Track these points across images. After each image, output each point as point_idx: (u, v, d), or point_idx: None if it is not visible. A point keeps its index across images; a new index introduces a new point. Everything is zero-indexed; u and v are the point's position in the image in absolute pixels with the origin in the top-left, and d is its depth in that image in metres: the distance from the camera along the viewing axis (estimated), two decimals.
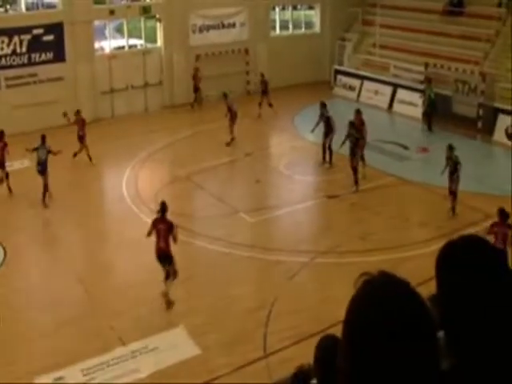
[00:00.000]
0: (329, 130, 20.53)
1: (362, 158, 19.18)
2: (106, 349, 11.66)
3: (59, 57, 25.41)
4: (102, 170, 21.25)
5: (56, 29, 25.16)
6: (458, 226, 15.93)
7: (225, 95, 23.30)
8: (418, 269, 13.81)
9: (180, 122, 24.54)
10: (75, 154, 20.94)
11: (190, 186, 19.35)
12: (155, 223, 12.90)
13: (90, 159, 20.84)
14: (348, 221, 16.95)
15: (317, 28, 33.07)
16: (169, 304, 12.90)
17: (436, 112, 24.24)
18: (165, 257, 12.86)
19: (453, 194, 17.05)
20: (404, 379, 1.59)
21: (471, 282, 1.84)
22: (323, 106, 21.08)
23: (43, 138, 18.36)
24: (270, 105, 25.59)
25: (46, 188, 18.00)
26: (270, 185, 19.02)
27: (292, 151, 22.22)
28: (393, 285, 1.65)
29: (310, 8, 33.47)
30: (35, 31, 24.76)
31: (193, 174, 19.86)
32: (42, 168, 18.06)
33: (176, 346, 11.93)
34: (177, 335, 12.21)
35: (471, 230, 15.65)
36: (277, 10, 32.29)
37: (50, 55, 25.23)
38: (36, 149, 18.19)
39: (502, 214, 13.38)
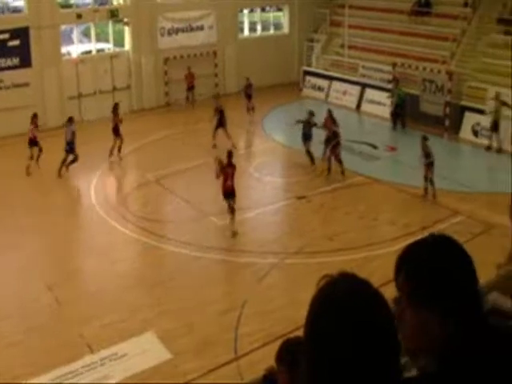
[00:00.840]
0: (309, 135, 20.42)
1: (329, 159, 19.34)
2: (75, 357, 11.54)
3: (25, 62, 25.12)
4: (71, 176, 21.05)
5: (22, 34, 24.88)
6: (425, 223, 16.09)
7: (214, 96, 23.28)
8: (385, 267, 13.99)
9: (149, 126, 24.43)
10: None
11: (159, 190, 19.28)
12: (224, 168, 15.91)
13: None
14: (317, 221, 17.01)
15: (285, 29, 33.16)
16: (234, 234, 15.88)
17: (404, 112, 24.43)
18: (231, 193, 16.06)
19: (431, 180, 17.39)
20: (364, 379, 1.60)
21: (427, 282, 1.85)
22: (311, 114, 20.65)
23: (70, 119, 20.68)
24: (252, 109, 25.61)
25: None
26: (239, 187, 18.87)
27: (261, 153, 22.26)
28: (353, 285, 1.67)
29: (279, 9, 33.54)
30: (0, 36, 24.48)
31: (162, 178, 19.79)
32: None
33: (146, 351, 11.86)
34: (147, 340, 12.14)
35: (439, 227, 15.87)
36: (245, 11, 32.31)
37: (15, 60, 24.94)
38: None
39: None
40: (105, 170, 20.99)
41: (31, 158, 20.84)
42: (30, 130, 21.01)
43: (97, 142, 22.50)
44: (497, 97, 21.72)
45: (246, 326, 12.19)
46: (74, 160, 20.52)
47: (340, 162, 19.35)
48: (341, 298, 1.63)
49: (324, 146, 19.53)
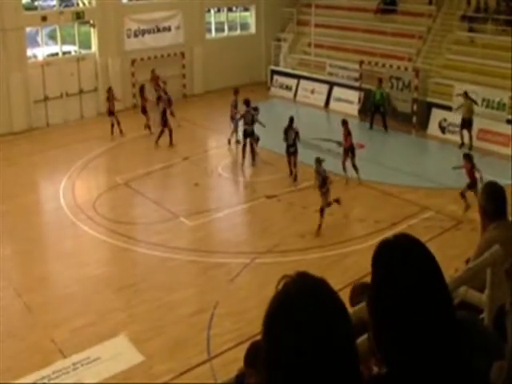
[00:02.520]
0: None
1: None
2: (47, 362, 11.42)
3: None
4: (38, 180, 20.84)
5: None
6: (395, 220, 16.22)
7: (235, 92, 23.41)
8: (358, 263, 14.12)
9: (116, 129, 24.20)
10: None
11: (128, 193, 19.13)
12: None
13: None
14: (287, 220, 17.03)
15: (252, 29, 33.16)
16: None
17: (386, 112, 24.54)
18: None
19: None
20: (321, 379, 1.60)
21: (399, 281, 1.85)
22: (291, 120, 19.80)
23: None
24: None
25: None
26: (208, 188, 18.99)
27: (230, 153, 22.23)
28: (308, 285, 1.67)
29: (245, 9, 33.54)
30: None
31: (131, 181, 19.65)
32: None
33: (119, 354, 11.78)
34: (118, 344, 12.05)
35: (409, 223, 16.02)
36: (212, 12, 32.24)
37: None
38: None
39: None
40: (74, 173, 20.77)
41: (112, 126, 23.75)
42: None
43: (64, 145, 22.26)
44: (466, 95, 21.95)
45: (218, 327, 12.17)
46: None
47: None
48: (294, 298, 1.63)
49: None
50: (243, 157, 20.85)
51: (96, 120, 26.52)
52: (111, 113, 24.19)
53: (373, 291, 1.90)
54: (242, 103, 21.72)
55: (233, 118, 22.69)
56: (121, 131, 24.12)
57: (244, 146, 20.96)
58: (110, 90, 24.65)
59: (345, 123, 19.57)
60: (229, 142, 22.75)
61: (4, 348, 11.84)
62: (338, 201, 16.37)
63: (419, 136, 23.50)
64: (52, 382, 11.05)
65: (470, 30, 25.10)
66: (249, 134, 20.89)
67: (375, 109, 24.48)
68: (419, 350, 1.81)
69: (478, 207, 5.21)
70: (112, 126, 24.02)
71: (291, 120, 19.33)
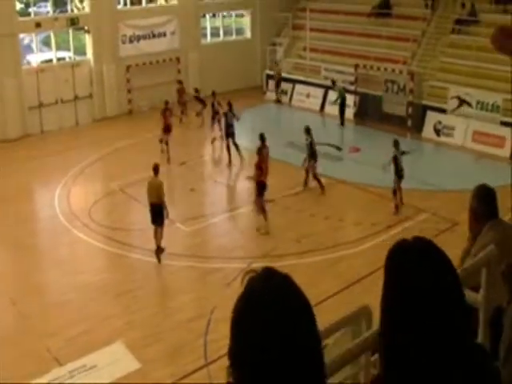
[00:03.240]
0: (312, 154, 19.29)
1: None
2: (43, 371, 11.35)
3: None
4: (34, 187, 20.77)
5: None
6: (391, 222, 16.23)
7: (213, 93, 23.82)
8: (354, 266, 14.13)
9: (111, 135, 24.16)
10: None
11: (124, 199, 19.09)
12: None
13: None
14: (283, 224, 16.99)
15: (248, 34, 33.21)
16: None
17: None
18: None
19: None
20: (286, 376, 1.58)
21: (414, 284, 1.84)
22: (307, 131, 19.59)
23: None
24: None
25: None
26: (204, 193, 18.96)
27: (226, 158, 22.19)
28: (274, 282, 1.65)
29: (241, 15, 33.58)
30: None
31: (126, 187, 19.59)
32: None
33: (115, 361, 11.73)
34: (115, 351, 11.99)
35: (404, 225, 16.02)
36: (207, 17, 32.27)
37: None
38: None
39: None
40: (69, 180, 20.72)
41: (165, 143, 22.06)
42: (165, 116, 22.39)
43: (59, 152, 22.21)
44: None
45: (215, 332, 12.09)
46: None
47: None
48: (260, 295, 1.63)
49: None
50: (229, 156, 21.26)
51: (91, 126, 26.50)
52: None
53: (385, 292, 1.89)
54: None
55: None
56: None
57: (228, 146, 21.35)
58: (167, 104, 23.08)
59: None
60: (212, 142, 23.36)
61: None
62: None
63: (414, 139, 23.52)
64: None
65: (465, 33, 25.13)
66: (230, 134, 21.39)
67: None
68: (425, 355, 1.81)
69: (469, 209, 5.22)
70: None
71: (307, 130, 19.17)
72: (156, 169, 15.36)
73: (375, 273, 12.66)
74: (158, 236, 15.02)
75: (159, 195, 14.95)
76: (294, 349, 1.59)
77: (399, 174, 17.32)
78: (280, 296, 1.63)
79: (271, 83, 30.41)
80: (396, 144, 17.93)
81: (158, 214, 14.98)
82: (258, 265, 14.41)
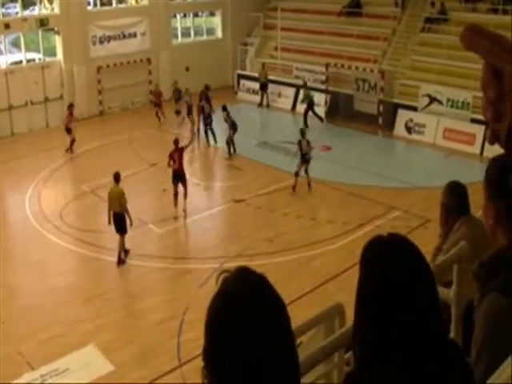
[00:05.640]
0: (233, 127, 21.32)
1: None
2: (15, 375, 11.21)
3: None
4: (3, 190, 20.48)
5: None
6: (362, 220, 16.29)
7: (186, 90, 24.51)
8: (328, 265, 14.17)
9: (82, 136, 23.88)
10: None
11: (95, 201, 18.87)
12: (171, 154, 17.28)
13: None
14: (256, 224, 16.98)
15: (219, 34, 33.16)
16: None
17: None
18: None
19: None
20: (262, 376, 1.57)
21: (384, 278, 1.84)
22: (224, 109, 21.83)
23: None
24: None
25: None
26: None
27: (198, 158, 22.15)
28: (251, 282, 1.64)
29: (211, 14, 33.52)
30: None
31: (98, 189, 19.39)
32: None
33: (88, 364, 11.62)
34: (88, 354, 11.88)
35: (376, 223, 16.10)
36: (178, 17, 32.15)
37: None
38: None
39: None
40: (40, 182, 20.49)
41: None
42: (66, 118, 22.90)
43: (30, 154, 21.93)
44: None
45: (188, 333, 12.05)
46: None
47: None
48: (236, 295, 1.61)
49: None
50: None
51: (61, 128, 26.09)
52: (68, 130, 23.03)
53: (360, 288, 1.89)
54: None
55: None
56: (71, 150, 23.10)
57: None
58: (71, 107, 23.65)
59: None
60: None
61: None
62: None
63: (386, 137, 23.70)
64: None
65: (434, 31, 25.36)
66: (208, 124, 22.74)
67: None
68: (399, 351, 1.81)
69: (440, 205, 5.26)
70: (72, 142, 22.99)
71: (301, 131, 19.48)
72: (117, 177, 15.12)
73: (348, 271, 12.74)
74: (120, 244, 14.90)
75: (121, 204, 14.75)
76: (269, 348, 1.57)
77: (303, 158, 18.28)
78: (255, 295, 1.61)
79: (242, 83, 30.39)
80: (302, 131, 19.15)
81: (120, 222, 14.84)
82: (231, 265, 14.41)
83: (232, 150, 21.44)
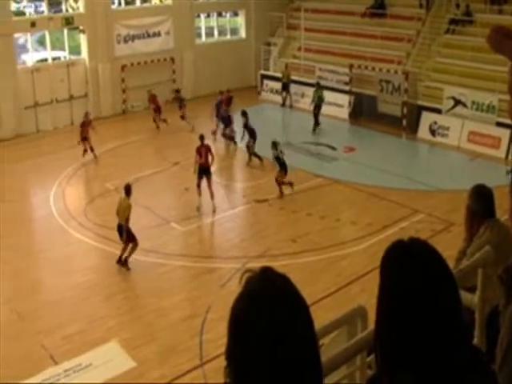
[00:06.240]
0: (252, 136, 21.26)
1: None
2: (38, 369, 11.35)
3: None
4: (29, 187, 20.71)
5: None
6: (386, 222, 16.23)
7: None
8: (349, 267, 14.13)
9: (106, 135, 24.05)
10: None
11: (118, 199, 19.01)
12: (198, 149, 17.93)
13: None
14: (279, 224, 17.00)
15: (242, 34, 33.19)
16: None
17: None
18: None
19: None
20: (282, 376, 1.59)
21: (407, 284, 1.84)
22: (244, 114, 21.73)
23: None
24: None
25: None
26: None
27: (221, 158, 22.19)
28: (271, 281, 1.66)
29: (235, 14, 33.57)
30: None
31: (121, 186, 19.51)
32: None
33: (110, 360, 11.73)
34: (110, 350, 11.99)
35: (400, 225, 16.03)
36: (202, 17, 32.25)
37: None
38: None
39: None
40: (64, 179, 20.68)
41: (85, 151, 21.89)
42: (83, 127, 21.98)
43: (55, 151, 22.13)
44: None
45: (210, 332, 12.10)
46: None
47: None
48: (259, 295, 1.63)
49: None
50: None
51: None
52: (84, 138, 22.19)
53: (381, 293, 1.89)
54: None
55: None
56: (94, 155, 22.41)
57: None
58: (86, 115, 22.89)
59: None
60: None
61: None
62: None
63: (409, 139, 23.56)
64: None
65: (459, 33, 25.18)
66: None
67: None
68: (421, 356, 1.80)
69: (466, 209, 5.22)
70: (85, 151, 22.20)
71: (274, 144, 19.43)
72: (127, 189, 15.03)
73: (371, 273, 12.68)
74: (123, 249, 14.76)
75: (125, 217, 14.62)
76: (292, 348, 1.59)
77: (285, 168, 18.44)
78: (278, 296, 1.63)
79: (266, 83, 30.39)
80: (274, 144, 18.95)
81: (122, 233, 14.73)
82: (254, 265, 14.44)
83: (249, 157, 21.38)
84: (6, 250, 16.34)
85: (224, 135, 23.15)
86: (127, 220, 14.62)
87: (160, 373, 11.15)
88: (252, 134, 21.24)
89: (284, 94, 28.53)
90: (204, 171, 17.82)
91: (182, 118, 25.35)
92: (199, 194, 17.75)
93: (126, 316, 13.03)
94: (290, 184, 18.43)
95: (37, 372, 11.27)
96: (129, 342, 12.07)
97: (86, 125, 22.20)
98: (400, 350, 1.83)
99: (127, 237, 14.63)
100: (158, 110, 25.50)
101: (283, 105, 28.52)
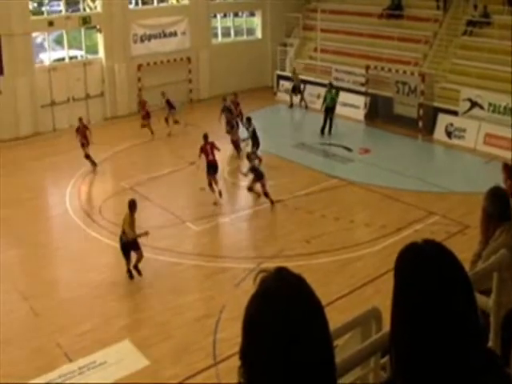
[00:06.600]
0: (255, 142, 21.07)
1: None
2: (53, 366, 11.42)
3: None
4: (45, 185, 20.85)
5: None
6: (401, 224, 16.17)
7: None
8: (363, 269, 14.09)
9: (122, 134, 24.23)
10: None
11: (134, 197, 19.10)
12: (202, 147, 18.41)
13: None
14: (293, 225, 16.96)
15: (258, 34, 33.21)
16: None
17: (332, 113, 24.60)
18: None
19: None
20: (296, 376, 1.60)
21: (422, 286, 1.83)
22: (248, 120, 21.56)
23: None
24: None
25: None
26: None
27: (235, 158, 22.22)
28: (286, 281, 1.67)
29: (251, 14, 33.60)
30: None
31: (137, 185, 19.66)
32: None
33: (124, 358, 11.77)
34: (124, 348, 12.04)
35: (415, 228, 15.97)
36: (218, 17, 32.31)
37: None
38: None
39: None
40: (79, 178, 20.80)
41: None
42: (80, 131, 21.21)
43: (71, 150, 22.24)
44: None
45: (224, 331, 12.12)
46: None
47: None
48: (274, 295, 1.64)
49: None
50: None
51: (102, 125, 26.57)
52: (82, 145, 21.21)
53: (396, 295, 1.88)
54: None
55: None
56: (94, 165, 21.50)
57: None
58: (81, 120, 21.95)
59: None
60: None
61: (9, 352, 11.87)
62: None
63: (425, 141, 23.46)
64: None
65: (476, 34, 25.05)
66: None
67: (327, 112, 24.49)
68: (436, 359, 1.79)
69: (481, 211, 5.20)
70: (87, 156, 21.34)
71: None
72: (131, 205, 14.32)
73: (385, 275, 12.65)
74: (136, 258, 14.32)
75: (132, 232, 14.12)
76: (307, 349, 1.60)
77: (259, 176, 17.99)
78: (293, 296, 1.64)
79: (282, 83, 30.38)
80: (248, 156, 18.79)
81: (129, 249, 14.22)
82: (268, 265, 14.45)
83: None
84: (22, 247, 16.49)
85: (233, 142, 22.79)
86: (133, 235, 14.09)
87: (173, 372, 11.17)
88: (255, 141, 21.04)
89: (294, 95, 28.45)
90: (213, 168, 18.20)
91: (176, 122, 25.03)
92: (213, 190, 17.92)
93: (140, 314, 13.09)
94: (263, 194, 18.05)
95: (51, 369, 11.34)
96: (143, 340, 12.12)
97: (81, 130, 21.39)
98: (414, 352, 1.82)
99: (137, 246, 14.25)
100: (147, 116, 24.85)
101: (291, 106, 28.41)
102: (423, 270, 1.83)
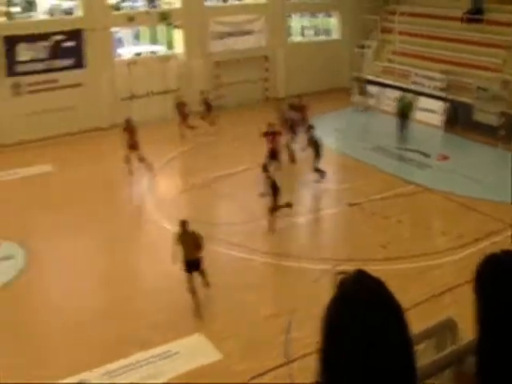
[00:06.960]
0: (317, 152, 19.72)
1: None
2: (127, 353, 11.66)
3: (79, 63, 25.57)
4: (119, 179, 21.15)
5: (76, 35, 25.34)
6: (478, 235, 15.76)
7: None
8: (441, 278, 13.82)
9: (196, 130, 24.37)
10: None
11: (208, 193, 19.30)
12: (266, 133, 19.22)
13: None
14: (369, 229, 16.77)
15: (335, 35, 33.02)
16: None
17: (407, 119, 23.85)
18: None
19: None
20: (376, 379, 1.60)
21: (508, 300, 1.81)
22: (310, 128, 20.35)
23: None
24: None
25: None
26: (291, 192, 18.79)
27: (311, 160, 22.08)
28: (366, 284, 1.68)
29: (328, 15, 33.45)
30: (56, 37, 24.94)
31: (211, 182, 19.81)
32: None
33: (197, 350, 11.93)
34: (197, 341, 12.18)
35: (492, 240, 15.55)
36: (294, 17, 32.30)
37: (70, 61, 25.40)
38: None
39: None
40: (157, 172, 21.08)
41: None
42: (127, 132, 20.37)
43: (148, 143, 22.61)
44: None
45: (296, 331, 12.09)
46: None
47: None
48: (351, 295, 1.65)
49: None
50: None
51: (178, 120, 26.84)
52: (131, 147, 20.37)
53: (477, 309, 1.86)
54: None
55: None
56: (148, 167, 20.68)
57: None
58: (128, 121, 21.05)
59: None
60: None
61: (86, 337, 12.17)
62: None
63: (506, 150, 22.84)
64: (131, 371, 11.26)
65: None
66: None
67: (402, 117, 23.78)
68: None
69: None
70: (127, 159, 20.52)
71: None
72: (183, 225, 13.26)
73: (463, 285, 12.37)
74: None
75: (199, 248, 13.32)
76: (385, 353, 1.60)
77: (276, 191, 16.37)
78: (372, 300, 1.64)
79: (365, 86, 30.05)
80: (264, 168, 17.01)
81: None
82: (342, 268, 14.35)
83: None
84: (103, 238, 16.85)
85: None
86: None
87: (244, 367, 11.21)
88: (317, 150, 19.68)
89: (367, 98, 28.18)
90: (273, 155, 18.87)
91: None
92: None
93: (213, 309, 13.17)
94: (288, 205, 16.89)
95: (126, 356, 11.56)
96: (215, 334, 12.22)
97: (130, 131, 20.49)
98: (497, 364, 1.79)
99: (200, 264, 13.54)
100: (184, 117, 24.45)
101: (367, 109, 28.02)
102: (503, 281, 1.81)
